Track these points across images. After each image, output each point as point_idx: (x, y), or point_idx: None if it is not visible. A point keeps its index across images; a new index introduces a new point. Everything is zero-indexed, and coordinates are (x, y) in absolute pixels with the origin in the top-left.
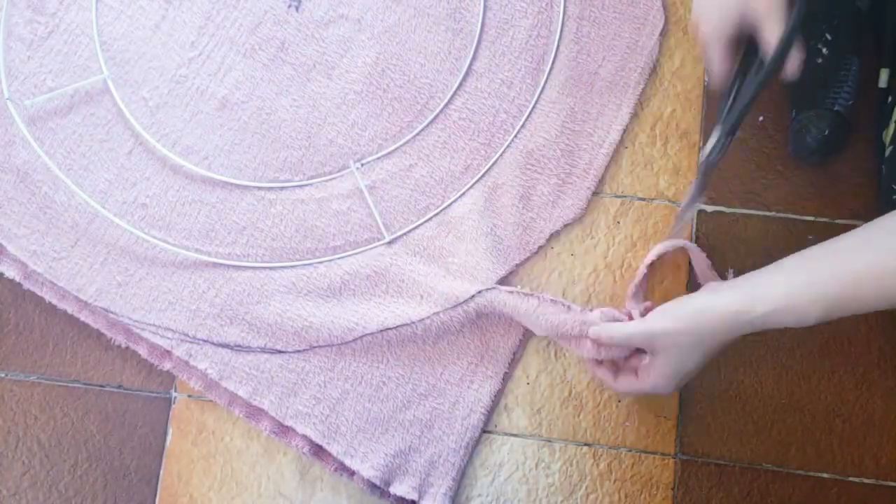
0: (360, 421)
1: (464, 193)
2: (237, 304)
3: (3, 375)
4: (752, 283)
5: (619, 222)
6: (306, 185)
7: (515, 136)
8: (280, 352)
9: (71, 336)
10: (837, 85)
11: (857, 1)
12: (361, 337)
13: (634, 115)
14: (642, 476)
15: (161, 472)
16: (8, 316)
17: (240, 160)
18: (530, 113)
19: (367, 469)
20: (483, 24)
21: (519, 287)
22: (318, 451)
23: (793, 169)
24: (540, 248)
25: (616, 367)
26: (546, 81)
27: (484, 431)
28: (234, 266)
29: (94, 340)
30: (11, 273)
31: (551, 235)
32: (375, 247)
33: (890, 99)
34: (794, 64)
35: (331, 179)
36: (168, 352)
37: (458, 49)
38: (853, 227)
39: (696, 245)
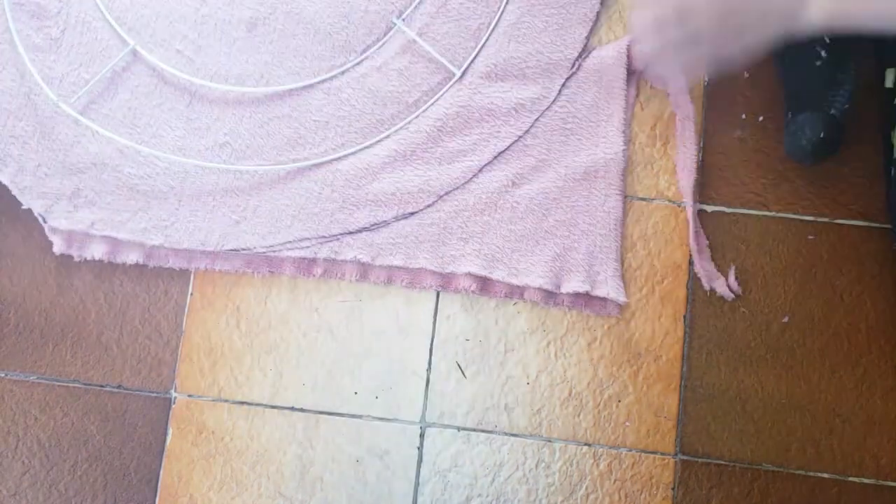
0: (509, 243)
1: (508, 1)
2: (354, 189)
3: (2, 375)
4: None
5: None
6: (363, 59)
7: None
8: (413, 213)
9: (71, 336)
10: (835, 88)
11: None
12: (480, 170)
13: (634, 116)
14: (642, 476)
15: (161, 472)
16: (8, 316)
17: (292, 65)
18: None
19: (535, 279)
20: None
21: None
22: (483, 284)
23: (793, 169)
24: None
25: None
26: None
27: (486, 431)
28: (333, 160)
29: (95, 340)
30: (133, 257)
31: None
32: (451, 85)
33: None
34: None
35: (382, 45)
36: (313, 259)
37: None
38: (853, 227)
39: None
